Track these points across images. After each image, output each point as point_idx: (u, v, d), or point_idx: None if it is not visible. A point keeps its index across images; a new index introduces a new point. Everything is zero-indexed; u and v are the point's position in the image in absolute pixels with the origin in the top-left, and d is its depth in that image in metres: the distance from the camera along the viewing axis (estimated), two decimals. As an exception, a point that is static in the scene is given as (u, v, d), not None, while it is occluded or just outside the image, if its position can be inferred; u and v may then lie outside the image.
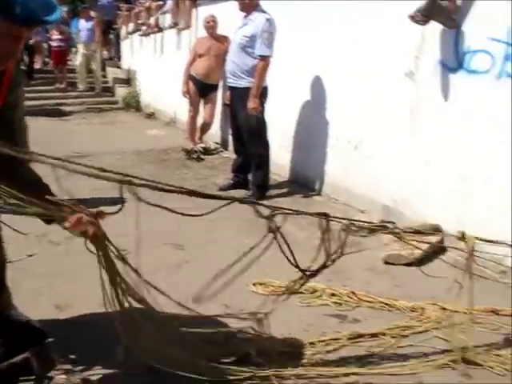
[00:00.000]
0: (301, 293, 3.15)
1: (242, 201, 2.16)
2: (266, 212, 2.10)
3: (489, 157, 3.59)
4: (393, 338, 2.68)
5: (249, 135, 5.10)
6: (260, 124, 5.04)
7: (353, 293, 3.14)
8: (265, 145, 5.13)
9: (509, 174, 3.41)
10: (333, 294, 3.15)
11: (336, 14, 4.90)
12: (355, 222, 2.38)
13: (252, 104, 4.85)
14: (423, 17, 3.78)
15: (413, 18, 3.80)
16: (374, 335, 2.71)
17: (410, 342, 2.67)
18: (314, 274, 2.33)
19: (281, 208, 2.22)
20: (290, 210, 2.29)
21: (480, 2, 3.61)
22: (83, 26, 11.95)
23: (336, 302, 3.09)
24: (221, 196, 2.18)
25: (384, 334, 2.72)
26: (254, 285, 3.24)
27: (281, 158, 5.71)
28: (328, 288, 3.20)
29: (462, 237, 2.44)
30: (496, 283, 3.26)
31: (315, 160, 5.28)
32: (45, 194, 1.82)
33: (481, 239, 2.46)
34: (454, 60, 3.84)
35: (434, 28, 3.89)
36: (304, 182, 5.45)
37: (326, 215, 2.25)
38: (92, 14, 12.37)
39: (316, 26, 5.18)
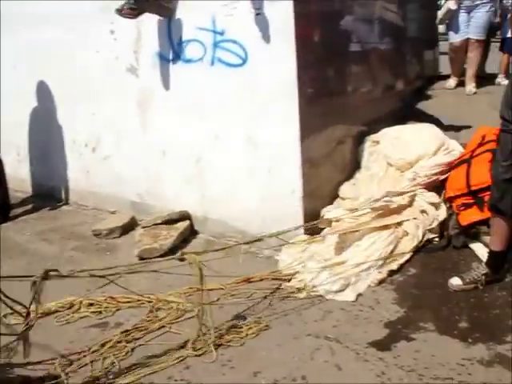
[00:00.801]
0: (57, 311, 3.04)
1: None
2: None
3: (220, 138, 3.81)
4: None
5: None
6: None
7: (111, 297, 3.10)
8: None
9: (240, 152, 3.70)
10: (91, 304, 3.08)
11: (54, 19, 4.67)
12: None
13: None
14: (131, 10, 3.79)
15: (120, 11, 3.77)
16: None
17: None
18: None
19: None
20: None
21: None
22: None
23: (95, 312, 3.03)
24: None
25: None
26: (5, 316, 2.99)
27: (21, 172, 5.33)
28: (85, 299, 3.11)
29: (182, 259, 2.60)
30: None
31: (56, 168, 5.06)
32: None
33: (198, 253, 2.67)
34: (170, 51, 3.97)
35: (149, 21, 3.97)
36: (49, 194, 5.17)
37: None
38: None
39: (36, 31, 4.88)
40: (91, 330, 2.86)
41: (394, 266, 3.27)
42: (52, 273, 2.27)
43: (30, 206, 5.05)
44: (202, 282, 2.65)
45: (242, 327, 2.77)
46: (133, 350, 2.64)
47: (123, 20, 3.89)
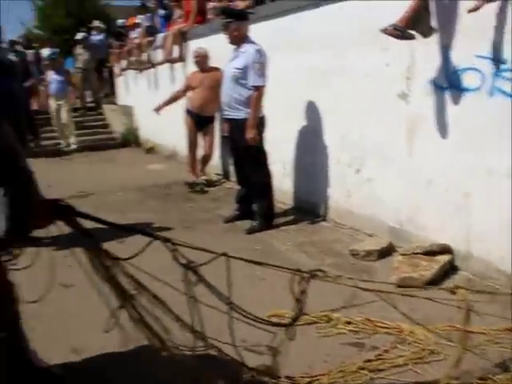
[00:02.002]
0: (316, 322, 3.20)
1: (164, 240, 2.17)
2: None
3: (492, 173, 3.62)
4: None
5: (250, 165, 5.15)
6: (260, 153, 5.10)
7: (368, 320, 3.16)
8: (267, 174, 5.19)
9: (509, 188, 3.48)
10: (348, 322, 3.17)
11: (327, 39, 5.01)
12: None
13: (250, 134, 4.91)
14: (395, 30, 3.76)
15: (385, 31, 3.77)
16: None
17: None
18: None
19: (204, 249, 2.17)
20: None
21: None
22: (53, 78, 11.22)
23: (352, 330, 3.10)
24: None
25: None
26: (269, 317, 3.25)
27: (284, 185, 5.77)
28: (343, 316, 3.22)
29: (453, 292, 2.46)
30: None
31: (318, 185, 5.33)
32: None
33: (472, 290, 2.51)
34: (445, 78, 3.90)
35: (423, 48, 3.96)
36: (309, 209, 5.49)
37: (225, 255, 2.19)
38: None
39: (308, 52, 5.28)
40: (347, 348, 2.94)
41: None
42: (318, 273, 2.29)
43: (291, 218, 5.41)
44: (466, 323, 2.54)
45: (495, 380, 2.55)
46: (371, 379, 2.62)
47: (396, 46, 3.96)
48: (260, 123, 5.04)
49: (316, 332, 3.11)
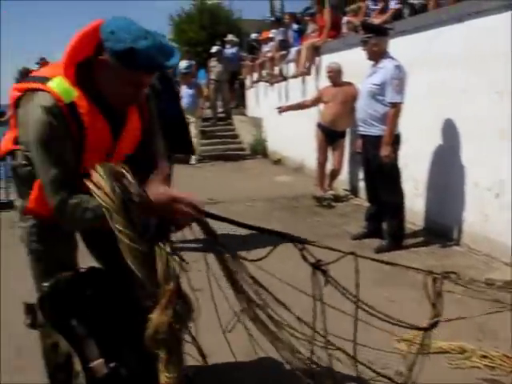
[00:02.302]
0: (447, 352, 3.07)
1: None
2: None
3: None
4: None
5: (383, 183, 5.06)
6: (394, 171, 5.00)
7: (506, 356, 2.97)
8: (399, 192, 5.06)
9: None
10: (484, 356, 3.00)
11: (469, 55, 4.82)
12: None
13: (385, 152, 4.83)
14: None
15: None
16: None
17: None
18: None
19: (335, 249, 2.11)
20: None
21: None
22: (185, 92, 11.17)
23: (488, 366, 2.93)
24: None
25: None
26: (398, 341, 3.15)
27: (415, 205, 5.60)
28: (478, 349, 3.05)
29: None
30: None
31: (452, 208, 5.11)
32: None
33: None
34: None
35: None
36: (440, 231, 5.28)
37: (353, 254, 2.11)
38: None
39: (448, 69, 5.12)
40: (483, 384, 2.79)
41: None
42: (451, 275, 2.16)
43: (421, 239, 5.24)
44: None
45: None
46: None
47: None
48: (395, 141, 4.95)
49: (448, 363, 2.98)
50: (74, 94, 1.93)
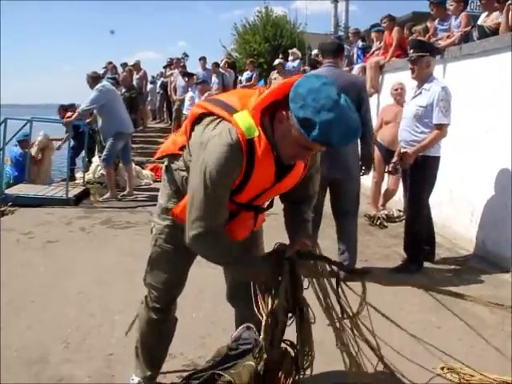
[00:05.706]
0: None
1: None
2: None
3: None
4: None
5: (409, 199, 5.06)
6: (423, 193, 4.93)
7: None
8: (419, 211, 4.97)
9: None
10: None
11: None
12: None
13: (410, 160, 4.79)
14: None
15: None
16: None
17: None
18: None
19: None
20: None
21: None
22: None
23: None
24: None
25: None
26: (442, 369, 3.07)
27: (470, 232, 5.48)
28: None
29: None
30: None
31: (508, 236, 4.98)
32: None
33: None
34: None
35: None
36: (495, 261, 5.14)
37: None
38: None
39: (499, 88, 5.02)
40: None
41: None
42: None
43: (474, 267, 5.12)
44: None
45: None
46: None
47: None
48: (433, 164, 4.86)
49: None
50: (255, 132, 1.92)
